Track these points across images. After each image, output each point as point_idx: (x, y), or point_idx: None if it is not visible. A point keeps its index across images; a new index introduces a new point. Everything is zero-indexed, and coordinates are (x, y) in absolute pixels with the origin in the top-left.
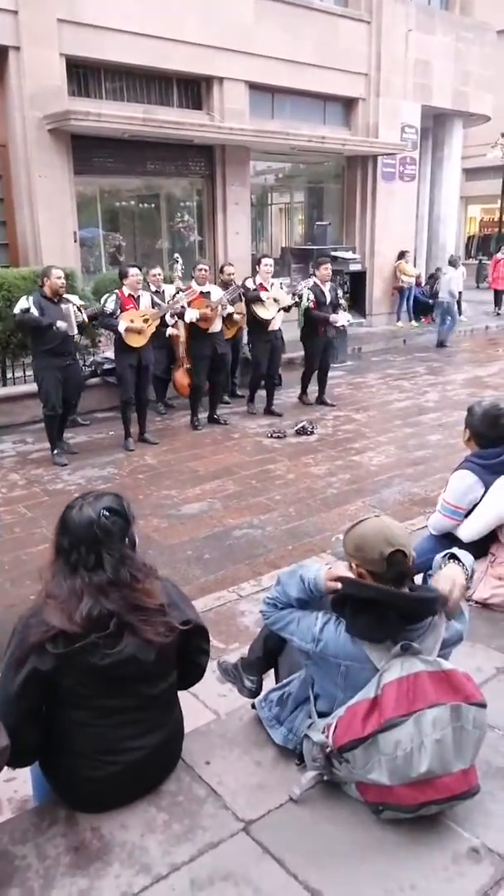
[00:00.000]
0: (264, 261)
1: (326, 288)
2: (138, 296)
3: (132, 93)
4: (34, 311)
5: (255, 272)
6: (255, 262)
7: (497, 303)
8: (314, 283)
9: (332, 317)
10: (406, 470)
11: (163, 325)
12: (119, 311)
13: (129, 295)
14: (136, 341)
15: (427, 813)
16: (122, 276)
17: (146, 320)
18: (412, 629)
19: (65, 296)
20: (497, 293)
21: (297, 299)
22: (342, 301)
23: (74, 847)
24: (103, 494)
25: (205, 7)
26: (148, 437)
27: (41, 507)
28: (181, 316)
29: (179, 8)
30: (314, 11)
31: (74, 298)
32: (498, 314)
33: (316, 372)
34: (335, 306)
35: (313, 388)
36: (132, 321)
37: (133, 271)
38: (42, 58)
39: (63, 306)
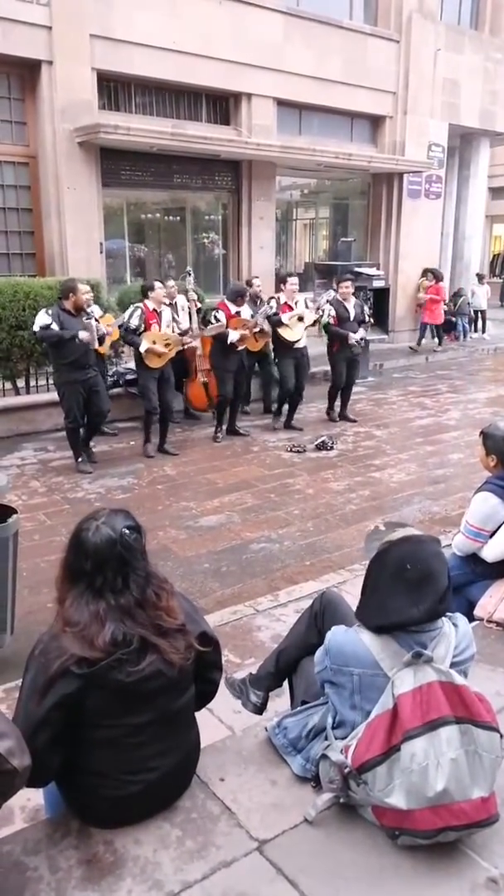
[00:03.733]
0: (290, 280)
1: (350, 304)
2: (160, 311)
3: (161, 107)
4: (54, 326)
5: (278, 290)
6: (281, 280)
7: None
8: (335, 296)
9: (350, 336)
10: (426, 488)
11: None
12: (143, 327)
13: (154, 310)
14: (155, 363)
15: (445, 840)
16: (148, 289)
17: (168, 344)
18: (426, 631)
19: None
20: None
21: (319, 313)
22: (368, 318)
23: (87, 860)
24: (114, 512)
25: (234, 24)
26: (168, 449)
27: (61, 515)
28: (223, 339)
29: (209, 25)
30: (343, 30)
31: (95, 309)
32: None
33: (342, 388)
34: (360, 322)
35: (336, 404)
36: (154, 342)
37: (158, 286)
38: (74, 72)
39: (84, 318)
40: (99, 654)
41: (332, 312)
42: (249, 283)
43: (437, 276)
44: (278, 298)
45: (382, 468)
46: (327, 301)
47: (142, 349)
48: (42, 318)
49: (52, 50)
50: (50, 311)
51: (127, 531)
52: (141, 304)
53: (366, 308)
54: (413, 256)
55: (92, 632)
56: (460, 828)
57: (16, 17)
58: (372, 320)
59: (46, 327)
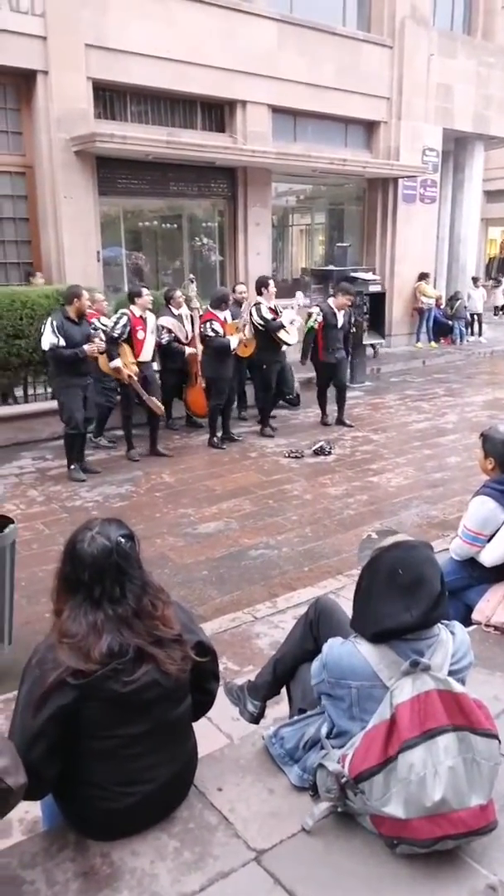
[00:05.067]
0: (272, 284)
1: (341, 314)
2: (146, 317)
3: (156, 115)
4: (61, 343)
5: (259, 293)
6: (261, 284)
7: None
8: (328, 303)
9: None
10: (424, 492)
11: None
12: (126, 334)
13: (139, 316)
14: (114, 374)
15: (443, 848)
16: (135, 295)
17: (137, 372)
18: (423, 638)
19: (93, 320)
20: None
21: (310, 315)
22: (354, 330)
23: (84, 873)
24: (107, 521)
25: (228, 32)
26: (161, 450)
27: (59, 523)
28: (225, 349)
29: (203, 33)
30: (337, 36)
31: (104, 321)
32: None
33: (335, 392)
34: (346, 332)
35: (333, 408)
36: (125, 365)
37: (145, 292)
38: (69, 81)
39: (87, 328)
40: (94, 665)
41: (320, 318)
42: (233, 290)
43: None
44: (259, 304)
45: (380, 472)
46: (317, 305)
47: (112, 365)
48: (49, 338)
49: (47, 60)
50: (54, 324)
51: (122, 540)
52: (127, 311)
53: (352, 317)
54: (409, 260)
55: (88, 643)
56: (459, 836)
57: (11, 28)
58: (355, 329)
59: (55, 348)
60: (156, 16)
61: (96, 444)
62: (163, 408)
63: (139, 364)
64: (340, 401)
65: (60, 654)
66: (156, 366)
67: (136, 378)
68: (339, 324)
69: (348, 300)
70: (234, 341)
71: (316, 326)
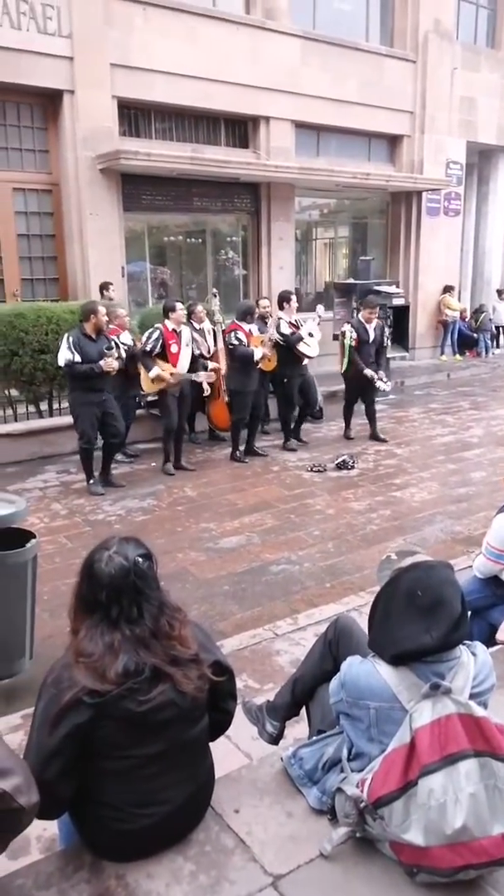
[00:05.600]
0: (293, 299)
1: (371, 326)
2: (180, 331)
3: (180, 132)
4: (76, 358)
5: (281, 308)
6: (283, 299)
7: None
8: (358, 320)
9: (370, 373)
10: (449, 507)
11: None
12: (159, 348)
13: (173, 330)
14: (152, 387)
15: (465, 878)
16: (169, 310)
17: (172, 374)
18: (443, 661)
19: (112, 336)
20: None
21: (341, 338)
22: (387, 340)
23: (99, 895)
24: (125, 540)
25: (252, 49)
26: (184, 465)
27: (81, 537)
28: (248, 358)
29: (227, 50)
30: (360, 52)
31: (125, 336)
32: None
33: (364, 407)
34: (380, 345)
35: (357, 422)
36: (164, 370)
37: (179, 307)
38: (95, 100)
39: (105, 347)
40: (110, 686)
41: (354, 335)
42: (257, 304)
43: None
44: (279, 319)
45: (404, 487)
46: (349, 324)
47: (151, 374)
48: (65, 355)
49: (73, 80)
50: (70, 340)
51: (140, 559)
52: (160, 326)
53: (386, 331)
54: (433, 273)
55: (104, 663)
56: (481, 866)
57: (39, 50)
58: (389, 342)
59: (70, 364)
60: (180, 34)
61: (125, 453)
62: (208, 378)
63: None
64: (371, 415)
65: (76, 674)
66: (203, 379)
67: (173, 380)
68: (371, 338)
69: (369, 312)
70: (258, 353)
71: (354, 344)
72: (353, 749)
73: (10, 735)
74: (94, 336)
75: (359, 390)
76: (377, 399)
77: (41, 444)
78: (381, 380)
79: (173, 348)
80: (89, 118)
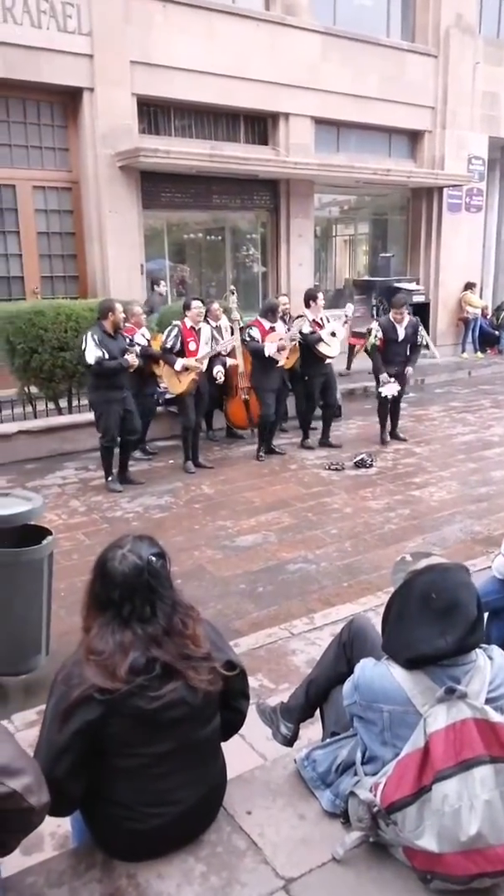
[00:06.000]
0: (320, 297)
1: (402, 326)
2: (199, 328)
3: (200, 129)
4: (106, 356)
5: (307, 306)
6: (310, 297)
7: None
8: (388, 318)
9: (384, 378)
10: (468, 507)
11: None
12: (178, 345)
13: (191, 327)
14: (176, 387)
15: (480, 886)
16: (186, 308)
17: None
18: (459, 664)
19: (128, 334)
20: None
21: (367, 335)
22: (421, 340)
23: (110, 894)
24: (139, 538)
25: (271, 45)
26: (202, 462)
27: (99, 534)
28: (258, 353)
29: (246, 47)
30: (381, 47)
31: (144, 332)
32: None
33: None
34: (412, 344)
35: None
36: (188, 361)
37: (196, 304)
38: (115, 98)
39: (122, 342)
40: (120, 684)
41: (380, 335)
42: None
43: None
44: (306, 316)
45: (423, 486)
46: (376, 321)
47: (177, 367)
48: (94, 352)
49: (93, 77)
50: (96, 338)
51: (153, 558)
52: (179, 323)
53: (421, 331)
54: (454, 270)
55: (115, 661)
56: (496, 874)
57: (59, 48)
58: (425, 342)
59: (101, 361)
60: (199, 31)
61: (143, 450)
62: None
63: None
64: (394, 414)
65: (86, 672)
66: (219, 372)
67: (202, 368)
68: (401, 337)
69: (397, 312)
70: (269, 348)
71: (378, 343)
72: (367, 752)
73: (26, 731)
74: (112, 333)
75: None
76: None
77: (60, 440)
78: (383, 383)
79: (191, 345)
80: (109, 116)
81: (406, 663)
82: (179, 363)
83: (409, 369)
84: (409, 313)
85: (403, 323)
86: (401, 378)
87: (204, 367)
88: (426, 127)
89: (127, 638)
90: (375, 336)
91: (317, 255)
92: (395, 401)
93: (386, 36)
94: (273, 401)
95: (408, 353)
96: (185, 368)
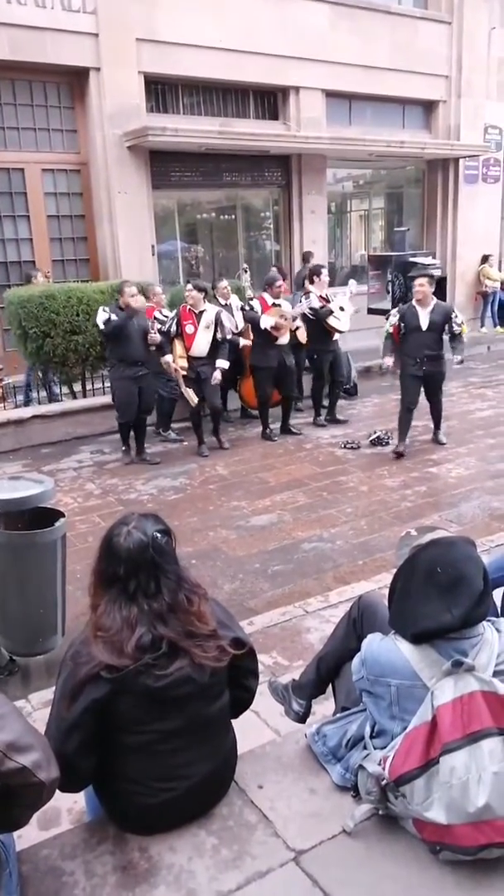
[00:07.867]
0: (323, 272)
1: (426, 310)
2: (200, 311)
3: (209, 106)
4: (113, 317)
5: (311, 282)
6: (314, 272)
7: None
8: (410, 304)
9: (384, 362)
10: (486, 483)
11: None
12: (176, 329)
13: (190, 310)
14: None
15: (489, 857)
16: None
17: (185, 367)
18: (466, 637)
19: (154, 313)
20: None
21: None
22: (456, 329)
23: (122, 867)
24: (144, 516)
25: (278, 17)
26: (223, 441)
27: (114, 516)
28: (254, 324)
29: (254, 20)
30: (392, 15)
31: (165, 311)
32: None
33: (429, 406)
34: (441, 331)
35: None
36: (174, 360)
37: (189, 287)
38: (121, 77)
39: (145, 322)
40: (127, 661)
41: (394, 321)
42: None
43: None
44: (308, 293)
45: (440, 463)
46: (397, 310)
47: (162, 360)
48: (101, 315)
49: (99, 57)
50: (107, 308)
51: (158, 535)
52: (182, 306)
53: (456, 317)
54: (471, 243)
55: (122, 637)
56: None
57: (64, 28)
58: (461, 329)
59: (107, 321)
60: (205, 6)
61: (164, 438)
62: (196, 400)
63: (191, 359)
64: (435, 416)
65: (94, 649)
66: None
67: (183, 372)
68: (425, 324)
69: (422, 284)
70: (265, 320)
71: (392, 330)
72: (376, 726)
73: (43, 710)
74: (124, 309)
75: (413, 392)
76: None
77: (75, 424)
78: (382, 366)
79: (188, 329)
80: (116, 95)
81: (412, 638)
82: (166, 358)
83: (455, 357)
84: (432, 292)
85: (428, 307)
86: (432, 379)
87: (292, 323)
88: (440, 96)
89: (133, 613)
90: (389, 323)
91: (331, 231)
92: (433, 402)
93: (397, 2)
94: (270, 381)
95: (439, 344)
96: (166, 364)
